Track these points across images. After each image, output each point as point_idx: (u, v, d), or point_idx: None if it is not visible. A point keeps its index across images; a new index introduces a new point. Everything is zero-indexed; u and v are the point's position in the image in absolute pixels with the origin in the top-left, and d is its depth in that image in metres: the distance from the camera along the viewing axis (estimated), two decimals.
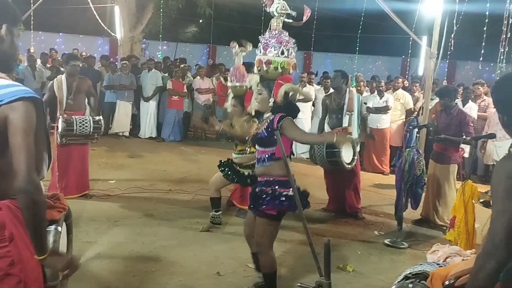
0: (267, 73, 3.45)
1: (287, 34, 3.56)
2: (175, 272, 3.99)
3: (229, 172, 4.94)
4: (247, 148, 4.85)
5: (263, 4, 3.62)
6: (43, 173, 2.01)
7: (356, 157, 5.74)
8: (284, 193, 3.31)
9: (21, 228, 1.83)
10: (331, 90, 9.55)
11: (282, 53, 3.44)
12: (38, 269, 1.86)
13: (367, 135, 6.39)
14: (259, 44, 3.56)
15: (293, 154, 3.70)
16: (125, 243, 4.55)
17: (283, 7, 3.56)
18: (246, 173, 4.90)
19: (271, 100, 3.38)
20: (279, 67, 3.43)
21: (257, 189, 3.45)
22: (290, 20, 3.60)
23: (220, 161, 5.09)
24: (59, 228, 2.01)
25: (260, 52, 3.50)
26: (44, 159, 1.97)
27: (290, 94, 3.37)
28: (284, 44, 3.46)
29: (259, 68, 3.53)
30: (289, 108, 3.40)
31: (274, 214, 3.33)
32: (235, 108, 4.83)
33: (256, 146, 3.56)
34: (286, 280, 3.97)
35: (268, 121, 3.41)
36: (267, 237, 3.41)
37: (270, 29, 3.56)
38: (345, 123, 5.83)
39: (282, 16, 3.57)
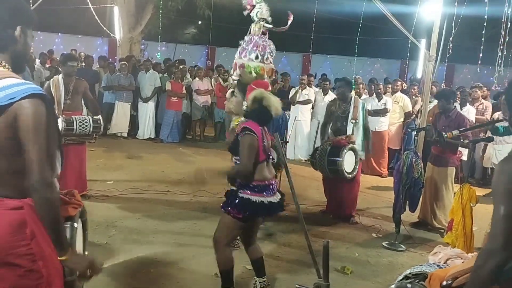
0: (241, 77, 3.41)
1: (265, 38, 3.53)
2: (173, 273, 3.98)
3: None
4: None
5: (244, 8, 3.61)
6: (57, 171, 2.00)
7: (357, 167, 5.70)
8: (254, 199, 3.24)
9: (42, 225, 1.84)
10: (330, 92, 9.62)
11: (257, 57, 3.40)
12: (59, 265, 1.88)
13: (367, 147, 6.03)
14: (239, 47, 3.55)
15: (269, 160, 3.49)
16: (123, 244, 4.54)
17: (262, 12, 3.55)
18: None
19: (245, 103, 3.29)
20: (252, 71, 3.38)
21: (231, 188, 3.41)
22: (270, 26, 3.59)
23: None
24: (75, 224, 2.01)
25: (237, 56, 3.49)
26: (57, 156, 1.97)
27: (263, 100, 3.20)
28: (260, 49, 3.42)
29: (235, 71, 3.50)
30: (259, 114, 3.26)
31: (239, 217, 3.28)
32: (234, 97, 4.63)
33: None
34: (284, 282, 3.97)
35: (239, 127, 3.31)
36: (225, 234, 3.36)
37: (249, 33, 3.55)
38: (349, 131, 5.80)
39: (262, 21, 3.56)
